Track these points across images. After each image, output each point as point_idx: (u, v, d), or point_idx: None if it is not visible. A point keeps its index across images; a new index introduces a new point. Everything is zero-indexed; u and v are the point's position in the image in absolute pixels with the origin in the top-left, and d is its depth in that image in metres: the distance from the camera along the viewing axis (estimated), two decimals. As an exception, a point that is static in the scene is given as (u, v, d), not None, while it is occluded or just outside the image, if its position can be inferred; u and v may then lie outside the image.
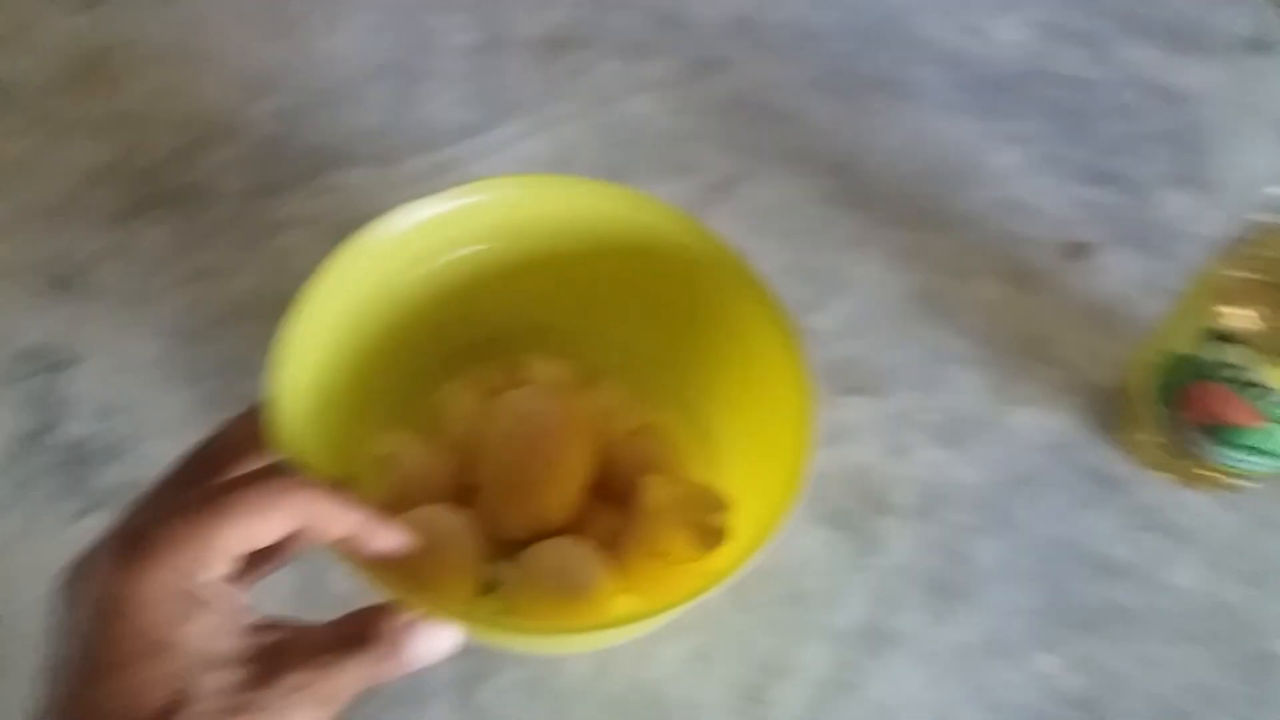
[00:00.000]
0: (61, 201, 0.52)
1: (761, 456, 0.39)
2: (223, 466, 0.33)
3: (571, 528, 0.39)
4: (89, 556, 0.28)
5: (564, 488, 0.39)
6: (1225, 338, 0.40)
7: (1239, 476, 0.45)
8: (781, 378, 0.38)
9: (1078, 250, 0.53)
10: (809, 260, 0.53)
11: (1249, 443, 0.42)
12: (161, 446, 0.45)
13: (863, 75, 0.59)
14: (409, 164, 0.54)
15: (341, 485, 0.31)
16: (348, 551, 0.31)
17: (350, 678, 0.28)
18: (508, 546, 0.38)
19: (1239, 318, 0.39)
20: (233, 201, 0.53)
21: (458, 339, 0.44)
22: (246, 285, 0.50)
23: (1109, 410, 0.49)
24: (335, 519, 0.29)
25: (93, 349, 0.48)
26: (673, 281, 0.43)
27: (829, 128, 0.57)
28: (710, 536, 0.37)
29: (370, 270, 0.40)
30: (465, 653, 0.31)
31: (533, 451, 0.38)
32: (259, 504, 0.28)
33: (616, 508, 0.40)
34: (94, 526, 0.41)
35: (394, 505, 0.36)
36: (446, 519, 0.36)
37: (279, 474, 0.29)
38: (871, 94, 0.58)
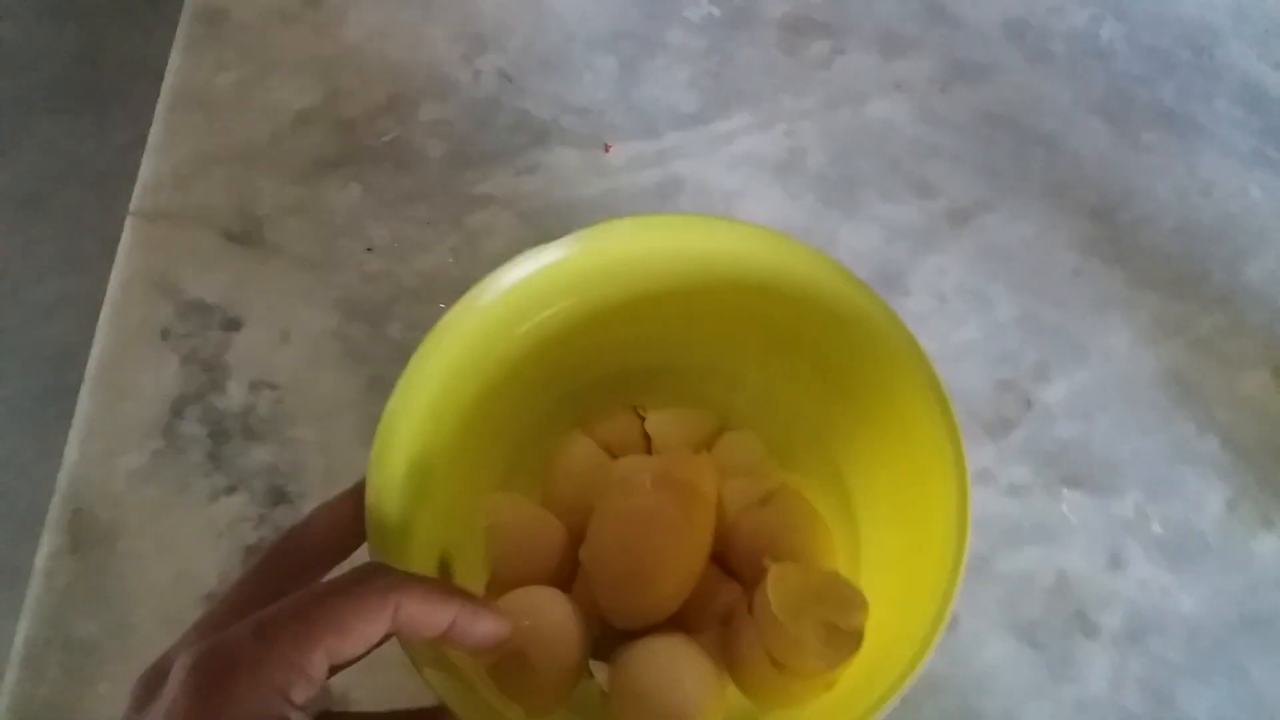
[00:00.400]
0: (257, 147, 0.51)
1: (913, 548, 0.33)
2: (309, 567, 0.29)
3: (685, 610, 0.35)
4: (164, 674, 0.25)
5: (677, 580, 0.34)
6: None
7: None
8: (938, 465, 0.32)
9: (1377, 355, 0.45)
10: (1045, 316, 0.47)
11: None
12: (310, 433, 0.45)
13: (1145, 104, 0.51)
14: (619, 150, 0.50)
15: (438, 580, 0.28)
16: (445, 644, 0.28)
17: None
18: (612, 633, 0.34)
19: None
20: (432, 168, 0.50)
21: (575, 384, 0.40)
22: (430, 264, 0.48)
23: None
24: (433, 616, 0.26)
25: (260, 313, 0.47)
26: (823, 331, 0.37)
27: (1097, 161, 0.50)
28: (842, 643, 0.31)
29: (478, 329, 0.36)
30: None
31: (644, 542, 0.33)
32: (354, 615, 0.25)
33: (738, 583, 0.35)
34: (231, 509, 0.41)
35: (497, 583, 0.33)
36: (550, 605, 0.32)
37: (373, 577, 0.26)
38: (1153, 127, 0.51)
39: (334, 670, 0.25)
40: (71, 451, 0.45)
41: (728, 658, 0.33)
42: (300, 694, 0.24)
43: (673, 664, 0.32)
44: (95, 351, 0.47)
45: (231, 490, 0.44)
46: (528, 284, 0.36)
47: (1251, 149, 0.50)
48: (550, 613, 0.31)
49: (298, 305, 0.47)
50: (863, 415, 0.37)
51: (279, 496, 0.44)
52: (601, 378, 0.40)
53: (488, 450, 0.38)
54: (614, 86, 0.52)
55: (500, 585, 0.33)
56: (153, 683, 0.25)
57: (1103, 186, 0.49)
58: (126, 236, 0.49)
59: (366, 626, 0.25)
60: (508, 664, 0.30)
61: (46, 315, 1.38)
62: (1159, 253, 0.48)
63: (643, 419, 0.40)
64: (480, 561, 0.34)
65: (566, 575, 0.34)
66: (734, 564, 0.36)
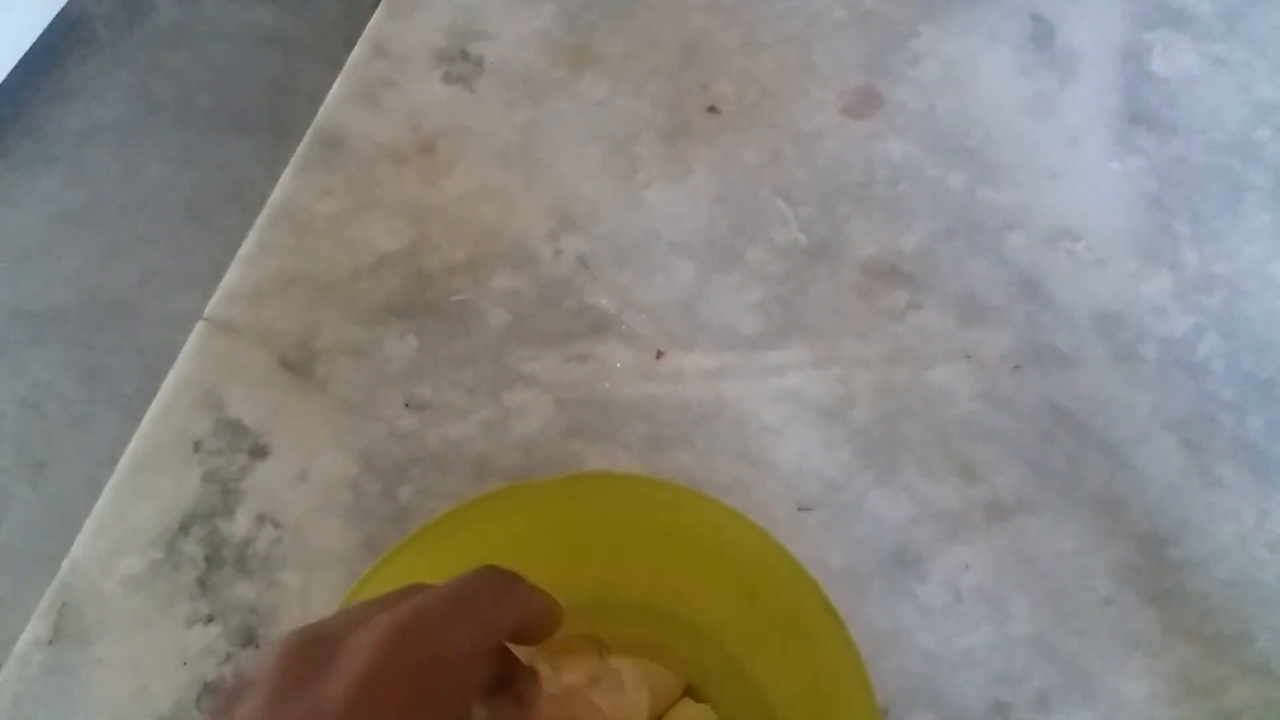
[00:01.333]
0: (336, 280, 0.53)
1: None
2: None
3: None
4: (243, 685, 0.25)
5: None
6: None
7: None
8: None
9: None
10: (1062, 643, 0.44)
11: None
12: (296, 579, 0.45)
13: (1229, 434, 0.48)
14: (671, 358, 0.50)
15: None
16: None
17: None
18: None
19: None
20: (490, 337, 0.51)
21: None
22: (458, 433, 0.49)
23: None
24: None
25: (288, 447, 0.49)
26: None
27: (1160, 485, 0.47)
28: None
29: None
30: None
31: None
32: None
33: None
34: (203, 640, 0.42)
35: None
36: None
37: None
38: (1230, 462, 0.47)
39: None
40: (83, 540, 0.47)
41: None
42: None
43: None
44: (131, 447, 0.49)
45: (209, 620, 0.45)
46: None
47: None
48: None
49: (325, 447, 0.48)
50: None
51: (249, 638, 0.44)
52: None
53: None
54: (684, 292, 0.52)
55: None
56: (235, 693, 0.25)
57: (1159, 514, 0.46)
58: (192, 341, 0.52)
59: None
60: None
61: (170, 324, 1.46)
62: (1204, 602, 0.44)
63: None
64: None
65: None
66: None
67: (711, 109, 0.57)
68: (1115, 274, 0.52)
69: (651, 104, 0.57)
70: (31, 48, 1.68)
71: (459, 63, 0.58)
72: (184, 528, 0.47)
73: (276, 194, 0.56)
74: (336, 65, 0.59)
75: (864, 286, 0.52)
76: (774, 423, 0.49)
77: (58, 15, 1.72)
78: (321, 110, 0.57)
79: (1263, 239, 0.53)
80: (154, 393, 0.50)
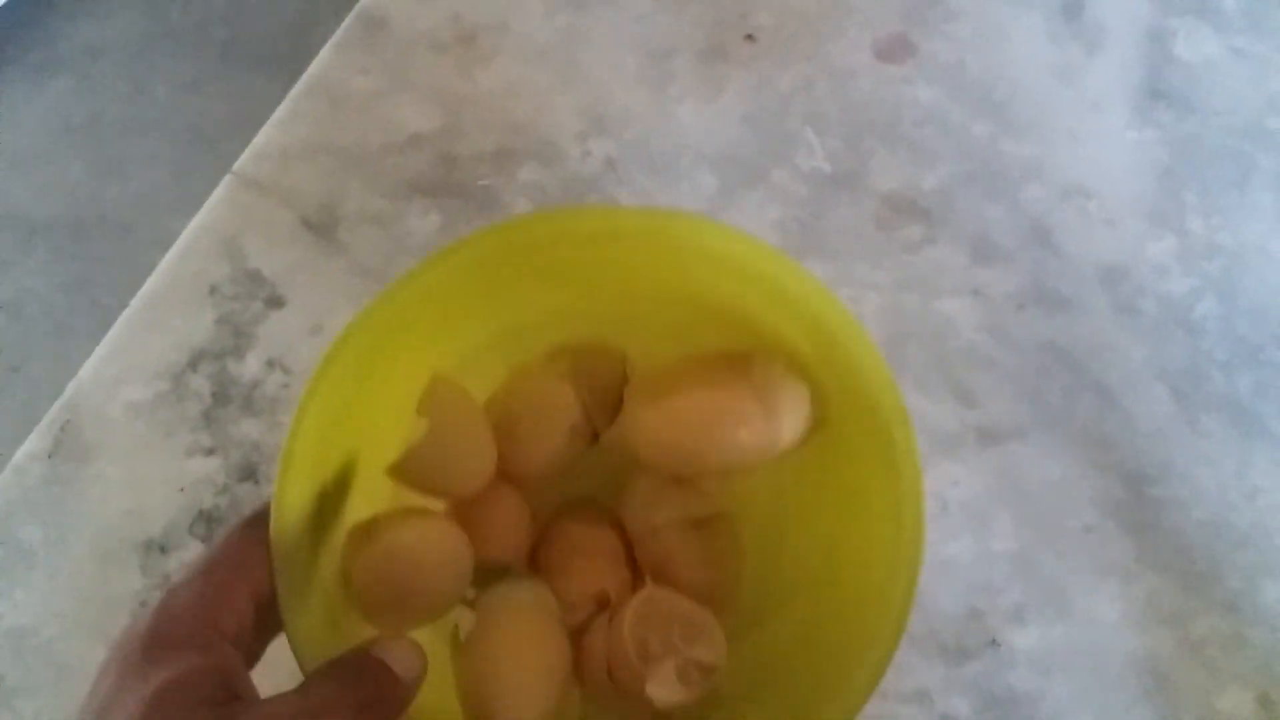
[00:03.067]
0: (365, 152, 0.54)
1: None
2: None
3: (573, 570, 0.35)
4: None
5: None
6: None
7: None
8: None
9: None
10: (1041, 562, 0.45)
11: None
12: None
13: (1217, 389, 0.49)
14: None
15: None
16: None
17: None
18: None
19: None
20: (515, 223, 0.52)
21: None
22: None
23: None
24: None
25: (303, 300, 0.49)
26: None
27: (1147, 428, 0.48)
28: (678, 687, 0.31)
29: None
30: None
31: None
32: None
33: (629, 576, 0.36)
34: (202, 470, 0.42)
35: (404, 473, 0.32)
36: (440, 540, 0.32)
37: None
38: (1216, 414, 0.49)
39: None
40: (89, 366, 0.47)
41: (577, 645, 0.33)
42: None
43: (519, 650, 0.32)
44: (147, 284, 0.49)
45: (210, 452, 0.45)
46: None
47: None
48: (437, 547, 0.32)
49: (340, 304, 0.49)
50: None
51: (249, 473, 0.45)
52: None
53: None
54: (706, 203, 0.53)
55: (408, 476, 0.33)
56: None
57: (1144, 454, 0.48)
58: (219, 191, 0.52)
59: None
60: (379, 590, 0.30)
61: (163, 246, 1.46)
62: (1180, 539, 0.46)
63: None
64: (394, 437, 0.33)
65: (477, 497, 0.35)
66: (641, 561, 0.36)
67: (749, 37, 0.58)
68: (1123, 233, 0.53)
69: (691, 24, 0.58)
70: (52, -41, 1.67)
71: (506, -37, 0.59)
72: (193, 364, 0.47)
73: (313, 67, 0.56)
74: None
75: (882, 217, 0.53)
76: (782, 332, 0.50)
77: (82, -69, 1.72)
78: (366, -10, 0.58)
79: (1266, 217, 0.54)
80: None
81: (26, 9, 1.68)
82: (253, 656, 0.28)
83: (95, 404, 0.46)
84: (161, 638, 0.25)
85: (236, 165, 0.53)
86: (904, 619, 0.30)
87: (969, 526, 0.46)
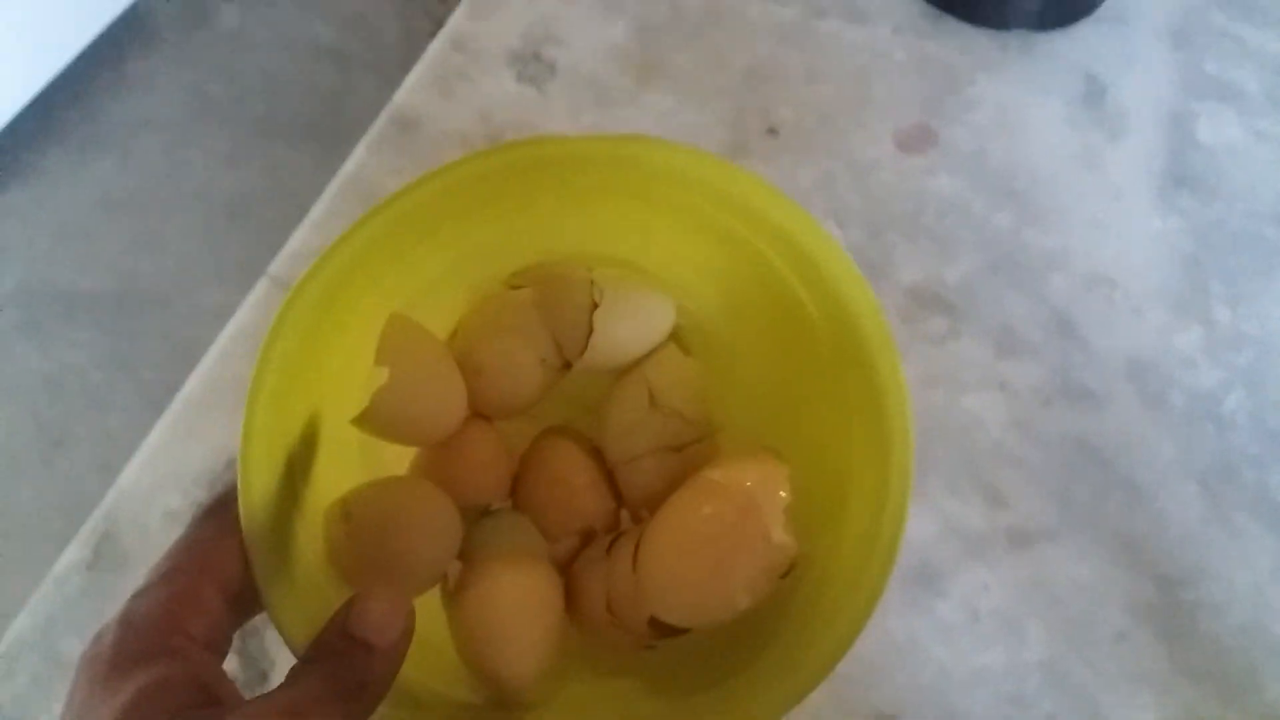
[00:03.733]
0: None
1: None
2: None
3: (555, 502, 0.36)
4: None
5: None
6: None
7: None
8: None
9: None
10: (1073, 672, 0.44)
11: None
12: None
13: (1250, 486, 0.49)
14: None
15: None
16: None
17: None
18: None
19: None
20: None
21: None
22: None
23: None
24: None
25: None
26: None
27: (1179, 528, 0.48)
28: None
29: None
30: None
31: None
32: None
33: (615, 507, 0.36)
34: None
35: (372, 420, 0.32)
36: (423, 502, 0.32)
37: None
38: (1250, 512, 0.48)
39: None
40: (128, 474, 0.48)
41: (570, 581, 0.33)
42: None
43: (512, 599, 0.32)
44: (185, 388, 0.50)
45: (243, 561, 0.46)
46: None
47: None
48: (421, 514, 0.32)
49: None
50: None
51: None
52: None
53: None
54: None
55: (375, 426, 0.32)
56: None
57: (1177, 556, 0.47)
58: (254, 295, 0.53)
59: None
60: (366, 567, 0.30)
61: (198, 320, 1.48)
62: (1216, 645, 0.45)
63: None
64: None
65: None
66: (622, 489, 0.36)
67: (771, 130, 0.59)
68: (1149, 323, 0.53)
69: (714, 119, 0.59)
70: (96, 39, 1.72)
71: (532, 64, 0.61)
72: (229, 470, 0.48)
73: (348, 166, 0.58)
74: (390, 85, 0.61)
75: (906, 311, 0.53)
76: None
77: (125, 11, 1.77)
78: (397, 94, 0.59)
79: (1294, 306, 0.54)
80: (176, 383, 0.51)
81: (71, 88, 1.73)
82: (226, 647, 0.27)
83: (134, 513, 0.47)
84: (129, 650, 0.25)
85: (272, 268, 0.54)
86: (892, 556, 0.30)
87: (1000, 635, 0.45)
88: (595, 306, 0.35)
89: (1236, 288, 0.55)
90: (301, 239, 0.55)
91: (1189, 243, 0.56)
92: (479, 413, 0.35)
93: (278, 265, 0.54)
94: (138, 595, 0.26)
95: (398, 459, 0.36)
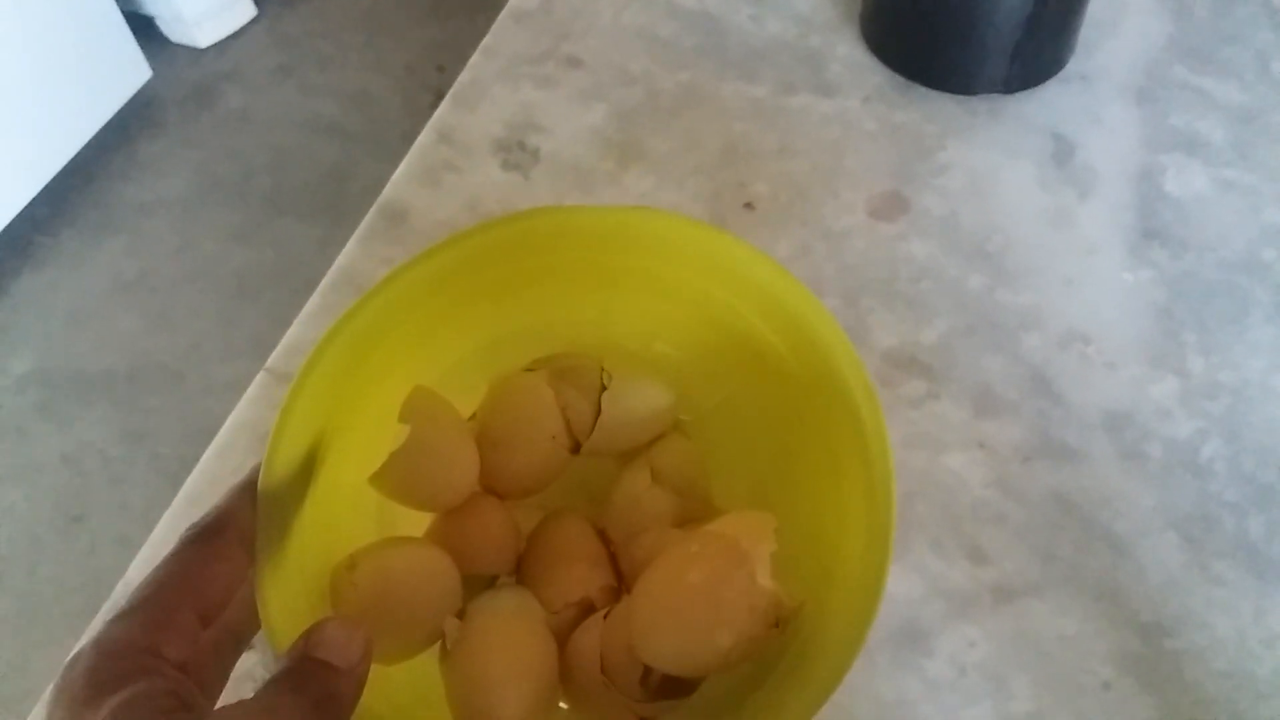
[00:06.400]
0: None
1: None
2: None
3: (554, 570, 0.37)
4: None
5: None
6: None
7: None
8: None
9: None
10: (1053, 717, 0.45)
11: None
12: None
13: (1229, 533, 0.50)
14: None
15: None
16: None
17: None
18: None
19: None
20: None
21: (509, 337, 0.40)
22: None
23: None
24: None
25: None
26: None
27: (1160, 578, 0.49)
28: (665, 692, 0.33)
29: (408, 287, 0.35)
30: None
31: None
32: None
33: (612, 576, 0.37)
34: (240, 668, 0.44)
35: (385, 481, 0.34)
36: (425, 567, 0.34)
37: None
38: (1230, 559, 0.49)
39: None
40: (135, 567, 0.50)
41: (563, 649, 0.35)
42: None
43: (505, 654, 0.33)
44: (186, 484, 0.52)
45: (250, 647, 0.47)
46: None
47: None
48: (425, 576, 0.34)
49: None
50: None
51: (285, 669, 0.47)
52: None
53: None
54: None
55: (390, 486, 0.34)
56: None
57: (1159, 605, 0.48)
58: (253, 389, 0.55)
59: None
60: (368, 621, 0.31)
61: (211, 394, 1.51)
62: (1199, 691, 0.46)
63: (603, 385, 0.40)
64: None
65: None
66: (624, 566, 0.37)
67: (748, 205, 0.61)
68: (1124, 377, 0.55)
69: (692, 197, 0.61)
70: (106, 125, 1.77)
71: (516, 152, 0.63)
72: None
73: (341, 259, 0.60)
74: (393, 159, 0.64)
75: (885, 375, 0.55)
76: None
77: (133, 97, 1.82)
78: (386, 188, 0.62)
79: (1266, 352, 0.55)
80: (192, 458, 0.53)
81: (83, 173, 1.77)
82: (219, 677, 0.29)
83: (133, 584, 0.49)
84: (105, 672, 0.25)
85: (269, 361, 0.56)
86: (877, 597, 0.31)
87: (987, 689, 0.46)
88: (604, 389, 0.38)
89: (1210, 337, 0.56)
90: (297, 332, 0.57)
91: (1161, 294, 0.58)
92: (491, 489, 0.37)
93: (275, 359, 0.56)
94: (113, 620, 0.26)
95: (413, 526, 0.38)
